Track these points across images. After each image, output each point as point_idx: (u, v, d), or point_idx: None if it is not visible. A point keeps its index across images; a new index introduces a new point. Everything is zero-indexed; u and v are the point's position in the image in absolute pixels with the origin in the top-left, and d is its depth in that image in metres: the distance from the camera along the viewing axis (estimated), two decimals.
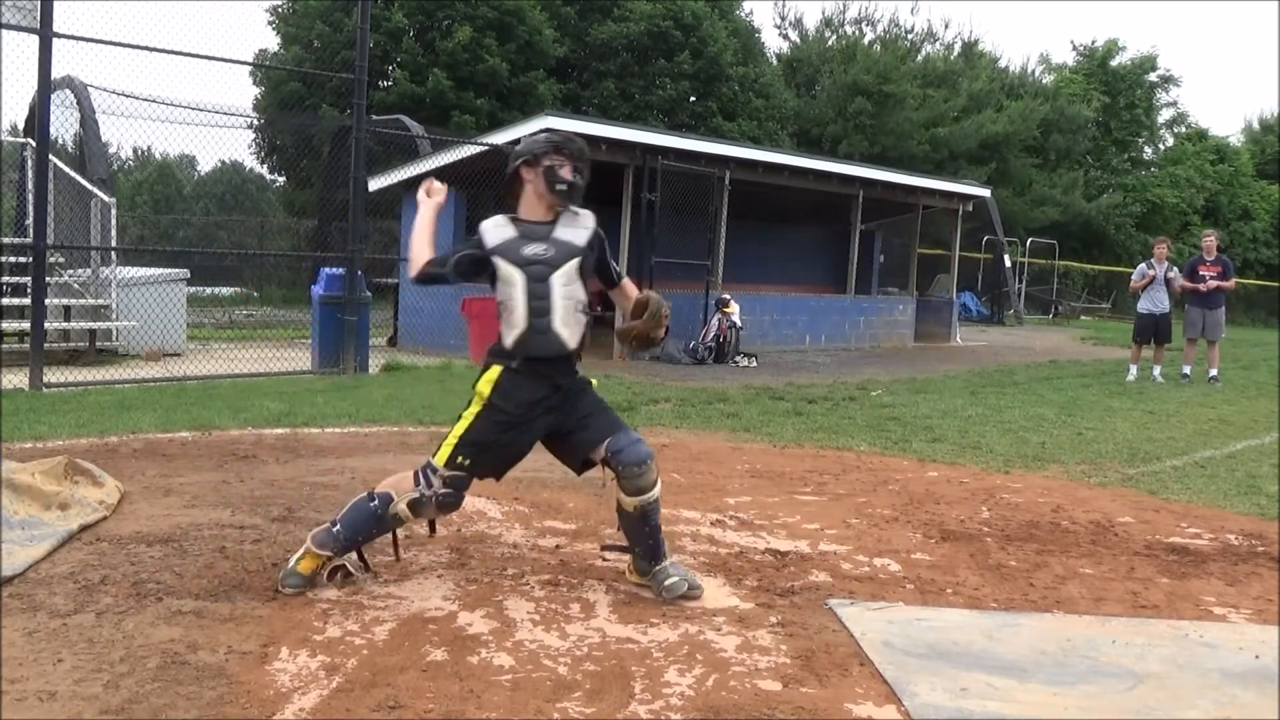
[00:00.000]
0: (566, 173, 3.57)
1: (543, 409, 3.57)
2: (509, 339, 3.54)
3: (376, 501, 3.54)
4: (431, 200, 3.85)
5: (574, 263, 3.57)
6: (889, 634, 3.33)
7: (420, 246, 3.74)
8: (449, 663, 2.97)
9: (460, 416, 3.56)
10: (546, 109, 16.73)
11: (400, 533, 4.30)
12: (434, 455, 3.53)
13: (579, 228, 3.64)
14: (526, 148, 3.63)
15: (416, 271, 3.66)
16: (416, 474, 3.55)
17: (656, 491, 3.60)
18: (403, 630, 3.20)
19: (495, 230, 3.61)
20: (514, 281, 3.53)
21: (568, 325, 3.55)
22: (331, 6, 22.83)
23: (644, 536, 3.63)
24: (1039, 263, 31.20)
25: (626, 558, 3.79)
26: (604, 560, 4.02)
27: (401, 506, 3.52)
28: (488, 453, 3.54)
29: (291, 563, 3.56)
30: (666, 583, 3.61)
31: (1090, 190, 35.31)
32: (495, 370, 3.55)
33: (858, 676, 3.00)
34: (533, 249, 3.55)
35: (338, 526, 3.54)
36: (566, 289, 3.54)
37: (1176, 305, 12.71)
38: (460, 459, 3.50)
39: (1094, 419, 8.64)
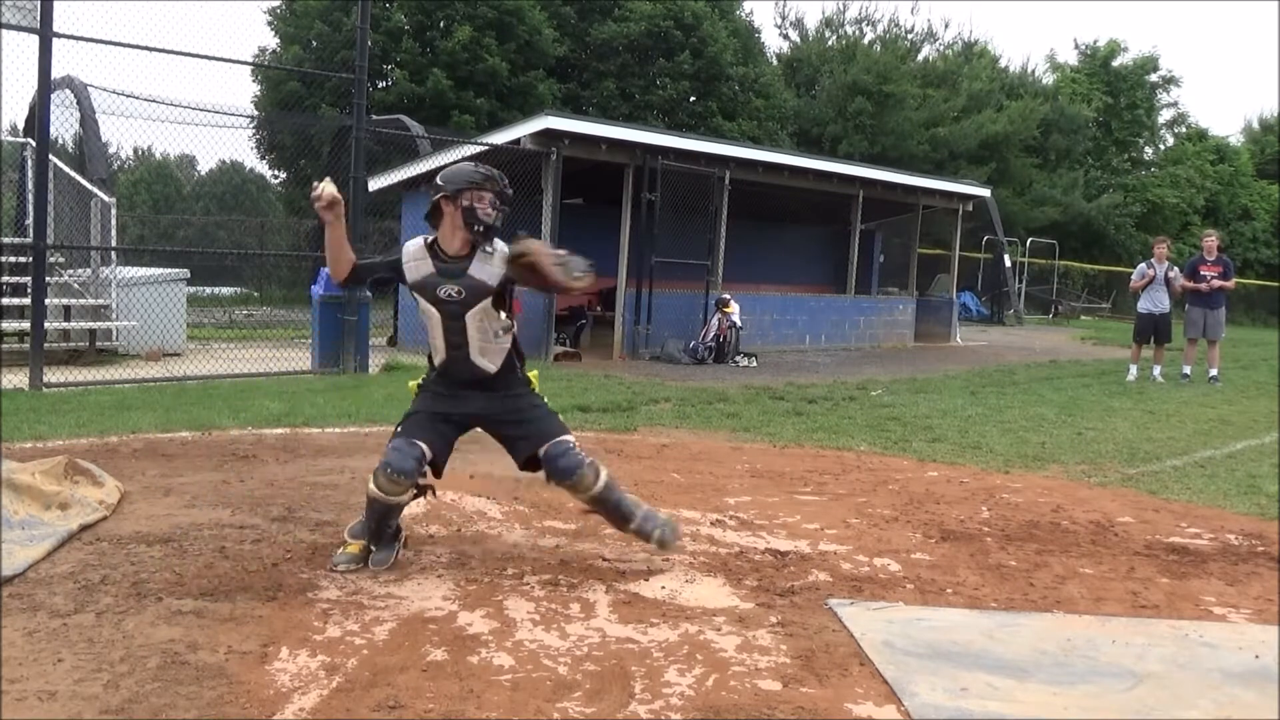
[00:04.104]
0: (484, 211, 3.67)
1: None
2: (435, 360, 3.83)
3: None
4: (331, 213, 3.66)
5: (486, 302, 3.70)
6: (889, 634, 3.32)
7: (339, 252, 3.76)
8: (449, 663, 2.97)
9: None
10: (546, 109, 16.71)
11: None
12: None
13: (493, 266, 3.70)
14: (448, 180, 3.70)
15: (344, 274, 3.76)
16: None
17: (600, 483, 3.78)
18: (403, 630, 3.20)
19: (415, 264, 3.72)
20: (432, 316, 3.73)
21: (486, 355, 3.74)
22: (331, 6, 22.83)
23: (610, 510, 3.88)
24: (1039, 263, 31.20)
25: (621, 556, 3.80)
26: (604, 560, 4.02)
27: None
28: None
29: None
30: (655, 534, 3.89)
31: (1090, 190, 35.31)
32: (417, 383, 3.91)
33: (858, 676, 3.00)
34: (446, 290, 3.68)
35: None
36: (480, 324, 3.70)
37: (1177, 305, 12.70)
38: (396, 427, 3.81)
39: (1094, 419, 8.64)
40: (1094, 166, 36.94)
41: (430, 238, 3.77)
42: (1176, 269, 12.38)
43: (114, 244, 10.93)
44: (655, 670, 2.98)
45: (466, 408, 3.80)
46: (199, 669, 2.84)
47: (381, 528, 3.79)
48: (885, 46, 32.12)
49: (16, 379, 7.93)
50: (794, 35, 33.83)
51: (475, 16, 22.81)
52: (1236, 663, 3.22)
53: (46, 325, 8.46)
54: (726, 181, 13.37)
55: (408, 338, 12.77)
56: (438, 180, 3.75)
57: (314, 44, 23.52)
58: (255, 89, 24.48)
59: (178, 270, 11.28)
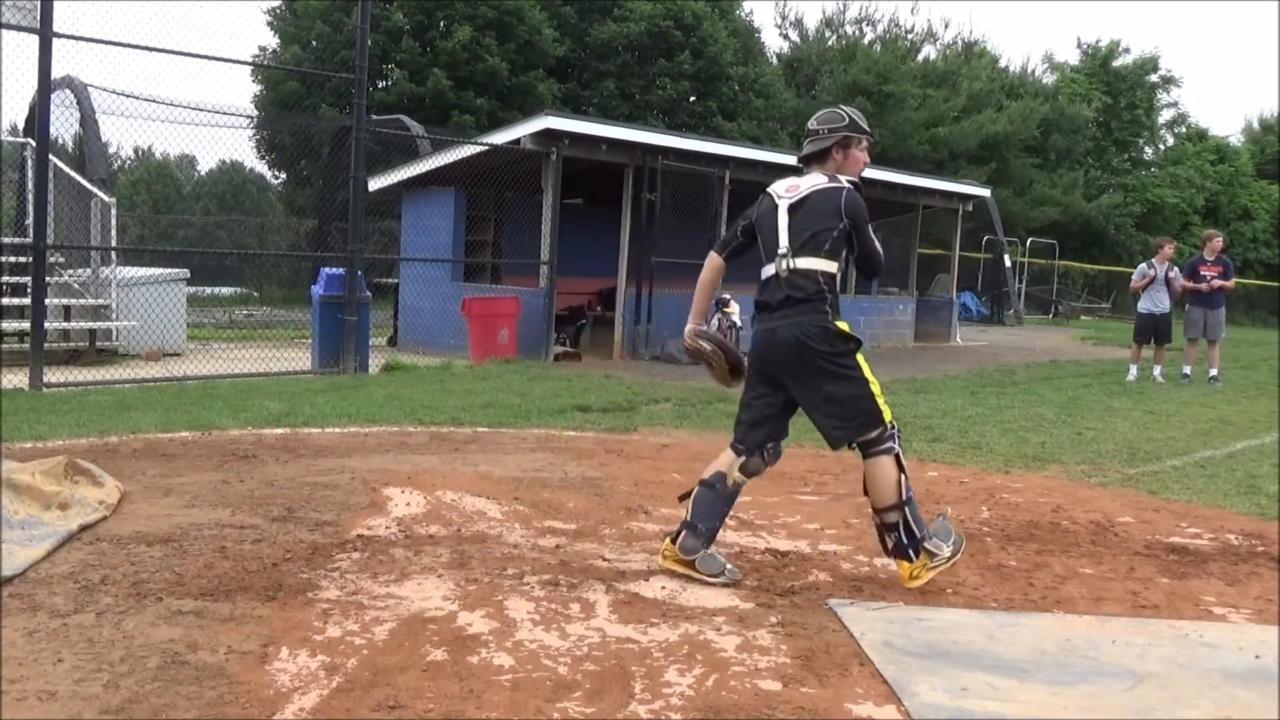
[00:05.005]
0: None
1: None
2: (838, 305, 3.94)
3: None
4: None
5: None
6: (889, 634, 3.32)
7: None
8: (449, 663, 2.97)
9: (862, 378, 3.80)
10: (546, 109, 16.72)
11: (399, 533, 4.31)
12: (884, 415, 3.76)
13: None
14: (853, 129, 3.86)
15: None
16: (887, 435, 3.74)
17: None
18: (403, 630, 3.20)
19: None
20: None
21: None
22: (331, 6, 22.84)
23: (723, 515, 3.92)
24: (1039, 263, 31.21)
25: (631, 559, 3.79)
26: (604, 560, 4.02)
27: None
28: None
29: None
30: (724, 573, 3.81)
31: (1090, 190, 35.31)
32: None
33: (858, 676, 3.00)
34: None
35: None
36: None
37: (1177, 305, 12.70)
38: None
39: (1094, 419, 8.64)
40: (1094, 166, 36.94)
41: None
42: (1176, 269, 12.38)
43: (114, 244, 10.93)
44: (655, 670, 2.98)
45: None
46: (199, 669, 2.84)
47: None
48: (885, 46, 32.10)
49: (16, 379, 7.93)
50: (794, 35, 33.87)
51: (475, 16, 22.82)
52: (1236, 663, 3.22)
53: (46, 325, 8.46)
54: (726, 181, 13.37)
55: (408, 338, 12.77)
56: (837, 126, 3.87)
57: (314, 44, 23.54)
58: (255, 89, 24.54)
59: (178, 270, 11.28)
